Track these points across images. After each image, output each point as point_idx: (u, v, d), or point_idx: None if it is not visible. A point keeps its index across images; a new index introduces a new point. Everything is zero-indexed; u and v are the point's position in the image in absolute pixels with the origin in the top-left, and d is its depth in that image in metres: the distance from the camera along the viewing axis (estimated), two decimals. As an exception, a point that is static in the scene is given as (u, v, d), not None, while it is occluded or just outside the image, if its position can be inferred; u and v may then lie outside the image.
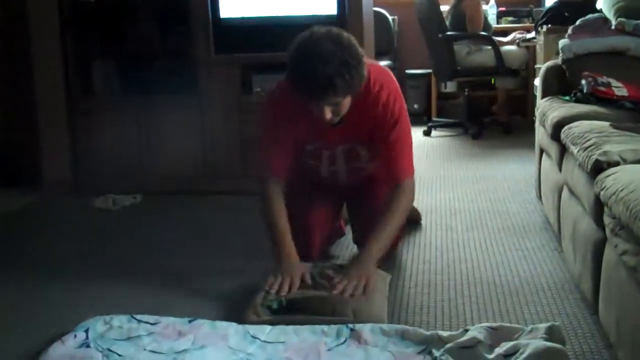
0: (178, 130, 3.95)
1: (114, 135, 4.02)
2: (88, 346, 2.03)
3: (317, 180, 2.76)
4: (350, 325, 2.07)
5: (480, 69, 5.66)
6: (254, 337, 2.05)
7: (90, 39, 4.15)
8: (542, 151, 3.36)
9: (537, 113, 3.37)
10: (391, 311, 2.29)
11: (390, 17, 6.47)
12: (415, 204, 3.00)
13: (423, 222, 3.29)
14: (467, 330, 1.99)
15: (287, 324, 2.12)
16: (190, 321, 2.15)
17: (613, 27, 3.52)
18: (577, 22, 3.62)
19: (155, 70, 4.09)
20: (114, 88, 4.12)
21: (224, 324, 2.12)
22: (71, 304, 2.42)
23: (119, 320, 2.15)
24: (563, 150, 2.70)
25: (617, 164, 2.08)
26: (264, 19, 3.81)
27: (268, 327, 2.10)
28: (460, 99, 6.08)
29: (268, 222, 2.49)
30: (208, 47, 3.84)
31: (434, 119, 6.41)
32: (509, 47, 5.73)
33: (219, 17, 3.81)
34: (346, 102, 2.33)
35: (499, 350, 1.86)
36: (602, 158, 2.12)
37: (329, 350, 1.98)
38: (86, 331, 2.08)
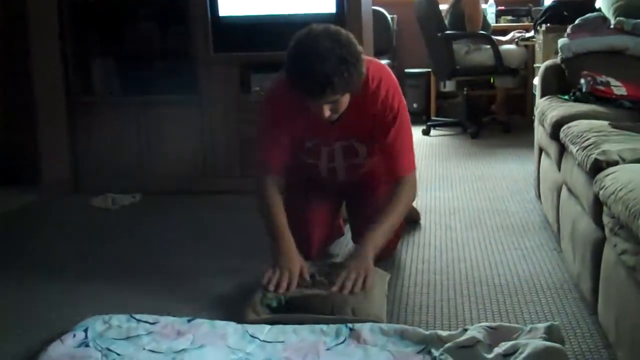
0: (177, 129, 3.95)
1: (114, 134, 4.02)
2: (87, 345, 2.03)
3: (315, 179, 2.76)
4: (350, 325, 2.07)
5: (479, 68, 5.66)
6: (253, 336, 2.05)
7: (89, 39, 4.15)
8: (541, 150, 3.37)
9: (536, 112, 3.37)
10: (390, 311, 2.29)
11: (389, 16, 6.47)
12: (414, 204, 3.01)
13: (422, 221, 3.29)
14: (466, 330, 1.99)
15: (286, 322, 2.12)
16: (189, 320, 2.15)
17: (612, 26, 3.52)
18: (576, 21, 3.62)
19: (155, 69, 4.09)
20: (113, 87, 4.12)
21: (223, 323, 2.12)
22: (71, 304, 2.42)
23: (118, 319, 2.15)
24: (562, 149, 2.70)
25: (616, 163, 2.08)
26: (262, 17, 3.81)
27: (267, 327, 2.10)
28: (459, 98, 6.09)
29: (266, 218, 2.49)
30: (207, 45, 3.84)
31: (433, 118, 6.42)
32: (508, 46, 5.72)
33: (218, 16, 3.82)
34: (345, 100, 2.33)
35: (498, 349, 1.86)
36: (601, 157, 2.12)
37: (328, 349, 1.98)
38: (85, 330, 2.08)
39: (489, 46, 5.51)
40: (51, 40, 3.93)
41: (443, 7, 5.70)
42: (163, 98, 3.97)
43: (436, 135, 5.86)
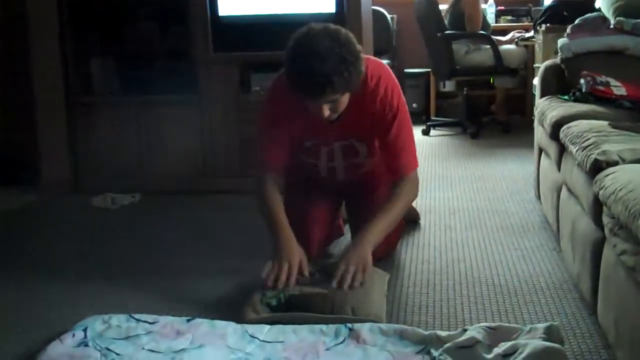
0: (177, 129, 3.96)
1: (114, 134, 4.03)
2: (86, 345, 2.03)
3: (315, 178, 2.76)
4: (349, 325, 2.07)
5: (479, 68, 5.66)
6: (252, 336, 2.05)
7: (89, 39, 4.15)
8: (540, 150, 3.37)
9: (536, 112, 3.37)
10: (390, 311, 2.29)
11: (389, 16, 6.47)
12: (413, 204, 3.00)
13: (422, 221, 3.29)
14: (465, 330, 1.99)
15: (286, 322, 2.12)
16: (188, 320, 2.15)
17: (612, 26, 3.52)
18: (576, 21, 3.62)
19: (155, 69, 4.10)
20: (113, 87, 4.12)
21: (223, 323, 2.12)
22: (71, 304, 2.42)
23: (117, 319, 2.16)
24: (562, 149, 2.70)
25: (616, 163, 2.08)
26: (262, 17, 3.81)
27: (267, 327, 2.10)
28: (459, 98, 6.09)
29: (266, 216, 2.48)
30: (207, 45, 3.84)
31: (433, 118, 6.42)
32: (507, 46, 5.73)
33: (218, 16, 3.82)
34: (344, 99, 2.33)
35: (498, 350, 1.86)
36: (601, 157, 2.12)
37: (327, 349, 1.98)
38: (84, 330, 2.08)
39: (488, 46, 5.51)
40: (51, 40, 3.93)
41: (443, 7, 5.70)
42: (163, 98, 3.97)
43: (436, 135, 5.86)
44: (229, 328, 2.09)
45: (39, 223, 3.55)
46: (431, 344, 1.96)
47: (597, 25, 3.56)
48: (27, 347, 2.07)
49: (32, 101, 3.99)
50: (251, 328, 2.09)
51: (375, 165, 2.72)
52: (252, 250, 2.86)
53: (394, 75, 2.54)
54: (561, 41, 3.53)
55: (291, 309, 2.19)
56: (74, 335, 2.05)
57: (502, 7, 6.49)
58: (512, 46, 5.78)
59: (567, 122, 2.73)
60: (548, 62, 3.65)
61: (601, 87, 3.12)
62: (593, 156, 2.15)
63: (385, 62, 2.71)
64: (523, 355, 1.77)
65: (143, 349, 2.01)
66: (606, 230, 1.96)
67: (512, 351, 1.82)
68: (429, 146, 5.37)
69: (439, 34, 5.48)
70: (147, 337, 2.07)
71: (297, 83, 2.26)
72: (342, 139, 2.58)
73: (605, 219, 1.97)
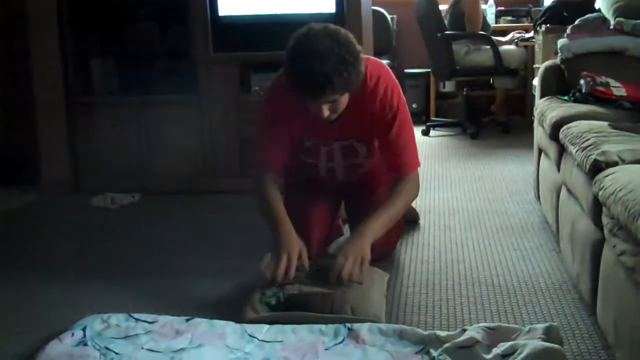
0: (177, 129, 3.96)
1: (113, 134, 4.03)
2: (85, 344, 2.03)
3: (315, 179, 2.76)
4: (348, 325, 2.07)
5: (479, 69, 5.66)
6: (251, 336, 2.05)
7: (89, 39, 4.15)
8: (540, 151, 3.37)
9: (536, 113, 3.37)
10: (389, 311, 2.29)
11: (389, 16, 6.47)
12: (413, 204, 3.01)
13: (421, 222, 3.29)
14: (465, 330, 1.99)
15: (285, 321, 2.12)
16: (187, 320, 2.15)
17: (612, 26, 3.52)
18: (576, 22, 3.62)
19: (155, 69, 4.10)
20: (113, 87, 4.12)
21: (222, 322, 2.12)
22: (71, 303, 2.42)
23: (116, 318, 2.16)
24: (561, 150, 2.70)
25: (615, 164, 2.08)
26: (262, 17, 3.81)
27: (266, 326, 2.10)
28: (459, 99, 6.09)
29: (265, 212, 2.49)
30: (207, 45, 3.84)
31: (433, 118, 6.42)
32: (507, 47, 5.73)
33: (218, 16, 3.82)
34: (344, 99, 2.33)
35: (497, 350, 1.86)
36: (600, 158, 2.12)
37: (326, 349, 1.98)
38: (83, 329, 2.08)
39: (488, 47, 5.51)
40: (51, 40, 3.93)
41: (443, 7, 5.70)
42: (163, 98, 3.97)
43: (436, 136, 5.86)
44: (228, 327, 2.09)
45: (38, 223, 3.55)
46: (430, 344, 1.96)
47: (597, 26, 3.56)
48: (27, 347, 2.07)
49: (32, 101, 3.99)
50: (250, 327, 2.09)
51: (374, 165, 2.72)
52: (252, 250, 2.86)
53: (393, 75, 2.54)
54: (561, 42, 3.53)
55: (290, 309, 2.19)
56: (73, 334, 2.06)
57: (502, 8, 6.49)
58: (512, 47, 5.78)
59: (566, 123, 2.73)
60: (548, 63, 3.65)
61: (601, 88, 3.12)
62: (593, 157, 2.15)
63: (385, 62, 2.71)
64: (522, 355, 1.77)
65: (142, 348, 2.01)
66: (606, 231, 1.96)
67: (511, 351, 1.82)
68: (428, 146, 5.37)
69: (439, 35, 5.49)
70: (146, 336, 2.07)
71: (296, 83, 2.26)
72: (342, 139, 2.58)
73: (605, 220, 1.97)
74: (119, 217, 3.60)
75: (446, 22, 5.65)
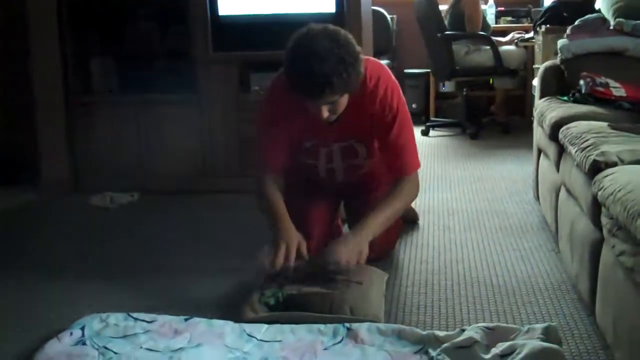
0: (177, 128, 3.96)
1: (113, 134, 4.03)
2: (84, 344, 2.03)
3: (314, 179, 2.76)
4: (347, 325, 2.07)
5: (479, 69, 5.66)
6: (250, 335, 2.05)
7: (89, 38, 4.15)
8: (540, 151, 3.37)
9: (535, 113, 3.37)
10: (388, 311, 2.29)
11: (389, 16, 6.47)
12: (412, 204, 3.01)
13: (420, 222, 3.29)
14: (463, 330, 1.99)
15: (284, 321, 2.12)
16: (186, 319, 2.15)
17: (612, 27, 3.52)
18: (576, 22, 3.62)
19: (154, 68, 4.09)
20: (112, 86, 4.12)
21: (220, 322, 2.12)
22: (70, 303, 2.42)
23: (115, 318, 2.16)
24: (561, 150, 2.70)
25: (614, 164, 2.08)
26: (262, 16, 3.81)
27: (265, 326, 2.10)
28: (459, 99, 6.09)
29: (266, 210, 2.49)
30: (206, 45, 3.84)
31: (432, 118, 6.42)
32: (507, 47, 5.73)
33: (218, 15, 3.82)
34: (343, 100, 2.33)
35: (496, 350, 1.86)
36: (599, 158, 2.12)
37: (325, 349, 1.98)
38: (82, 329, 2.08)
39: (488, 47, 5.51)
40: (51, 40, 3.93)
41: (443, 7, 5.70)
42: (162, 97, 3.97)
43: (435, 136, 5.86)
44: (227, 327, 2.09)
45: (38, 223, 3.55)
46: (429, 344, 1.96)
47: (596, 27, 3.56)
48: (27, 346, 2.07)
49: (32, 101, 3.99)
50: (249, 327, 2.09)
51: (374, 166, 2.72)
52: (251, 249, 2.84)
53: (393, 76, 2.54)
54: (561, 42, 3.53)
55: (289, 309, 2.19)
56: (71, 333, 2.06)
57: (502, 8, 6.49)
58: (511, 47, 5.78)
59: (566, 123, 2.73)
60: (548, 63, 3.65)
61: (600, 88, 3.12)
62: (592, 157, 2.15)
63: (385, 62, 2.72)
64: (521, 355, 1.77)
65: (141, 347, 2.01)
66: (605, 231, 1.96)
67: (510, 351, 1.82)
68: (428, 147, 5.37)
69: (438, 35, 5.48)
70: (145, 335, 2.07)
71: (296, 84, 2.26)
72: (341, 140, 2.58)
73: (604, 220, 1.97)
74: (119, 216, 3.60)
75: (446, 22, 5.65)
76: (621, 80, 3.15)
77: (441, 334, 2.00)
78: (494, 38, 5.61)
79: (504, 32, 6.12)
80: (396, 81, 2.53)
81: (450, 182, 4.12)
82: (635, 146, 2.21)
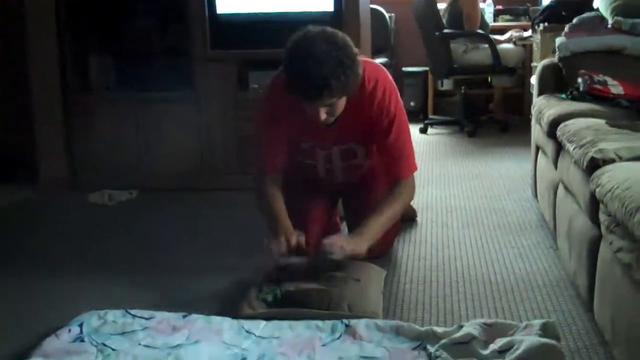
0: (175, 126, 3.95)
1: (111, 132, 4.02)
2: (82, 340, 2.03)
3: (314, 179, 2.76)
4: (345, 321, 2.07)
5: (477, 67, 5.66)
6: (248, 332, 2.05)
7: (87, 36, 4.14)
8: (538, 149, 3.37)
9: (534, 111, 3.37)
10: (386, 307, 2.29)
11: (387, 15, 6.46)
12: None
13: (419, 219, 3.29)
14: (461, 327, 2.00)
15: (282, 317, 2.12)
16: (184, 316, 2.15)
17: (610, 25, 3.52)
18: (574, 21, 3.62)
19: (152, 66, 4.09)
20: (110, 84, 4.12)
21: (219, 319, 2.13)
22: (69, 300, 2.42)
23: (113, 314, 2.16)
24: (559, 148, 2.71)
25: (612, 161, 2.08)
26: (260, 15, 3.81)
27: (263, 322, 2.10)
28: (457, 97, 6.09)
29: (265, 210, 2.50)
30: (204, 43, 3.83)
31: (431, 116, 6.40)
32: (505, 45, 5.72)
33: (216, 13, 3.81)
34: (341, 103, 2.33)
35: (494, 346, 1.87)
36: (597, 155, 2.12)
37: (323, 345, 1.99)
38: (80, 325, 2.09)
39: (486, 45, 5.51)
40: (49, 39, 3.92)
41: (441, 5, 5.70)
42: (160, 95, 3.96)
43: (433, 134, 5.86)
44: (225, 324, 2.10)
45: (37, 221, 3.55)
46: (427, 340, 1.97)
47: (595, 25, 3.56)
48: (26, 343, 2.07)
49: (30, 99, 3.98)
50: (247, 324, 2.09)
51: (374, 166, 2.73)
52: (249, 247, 2.86)
53: (391, 78, 2.54)
54: (559, 40, 3.53)
55: (287, 305, 2.20)
56: (70, 330, 2.06)
57: (500, 6, 6.48)
58: (510, 45, 5.77)
59: (564, 121, 2.73)
60: (546, 61, 3.65)
61: (598, 86, 3.12)
62: (590, 154, 2.15)
63: (383, 60, 2.72)
64: (519, 351, 1.78)
65: (139, 344, 2.01)
66: (602, 228, 1.96)
67: (508, 347, 1.83)
68: (426, 144, 5.37)
69: (437, 33, 5.48)
70: (143, 332, 2.07)
71: (294, 86, 2.26)
72: (340, 142, 2.58)
73: (602, 217, 1.97)
74: (117, 214, 3.60)
75: (444, 20, 5.65)
76: (619, 78, 3.16)
77: (439, 330, 2.01)
78: (492, 36, 5.61)
79: (502, 31, 6.11)
80: (394, 83, 2.54)
81: (448, 180, 4.12)
82: (633, 143, 2.21)
